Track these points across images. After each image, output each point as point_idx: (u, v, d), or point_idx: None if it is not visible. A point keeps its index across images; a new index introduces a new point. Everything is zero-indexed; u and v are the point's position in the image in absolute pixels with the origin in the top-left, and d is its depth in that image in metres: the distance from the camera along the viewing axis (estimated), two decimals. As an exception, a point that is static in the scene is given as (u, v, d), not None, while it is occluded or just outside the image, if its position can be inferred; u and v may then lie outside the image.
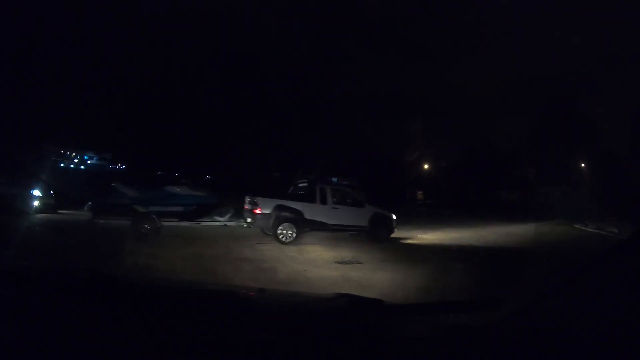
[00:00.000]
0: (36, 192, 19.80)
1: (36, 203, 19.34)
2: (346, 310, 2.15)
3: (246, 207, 16.61)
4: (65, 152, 69.89)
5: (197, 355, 1.71)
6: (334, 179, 55.41)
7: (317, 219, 16.37)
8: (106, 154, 72.96)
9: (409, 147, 48.56)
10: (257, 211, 16.00)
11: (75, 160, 74.31)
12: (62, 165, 62.13)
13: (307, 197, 16.96)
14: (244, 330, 1.82)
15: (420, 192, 48.72)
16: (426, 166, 50.73)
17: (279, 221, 15.77)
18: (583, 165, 40.89)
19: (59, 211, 20.67)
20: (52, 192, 21.24)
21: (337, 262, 11.91)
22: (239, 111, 52.27)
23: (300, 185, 18.94)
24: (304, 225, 16.05)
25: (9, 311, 2.04)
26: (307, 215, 16.27)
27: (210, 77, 58.90)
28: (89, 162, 76.00)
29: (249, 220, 16.34)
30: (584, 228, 22.31)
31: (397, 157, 49.83)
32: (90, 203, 15.77)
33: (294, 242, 15.34)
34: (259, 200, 16.11)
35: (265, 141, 51.79)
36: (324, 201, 16.80)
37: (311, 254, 13.63)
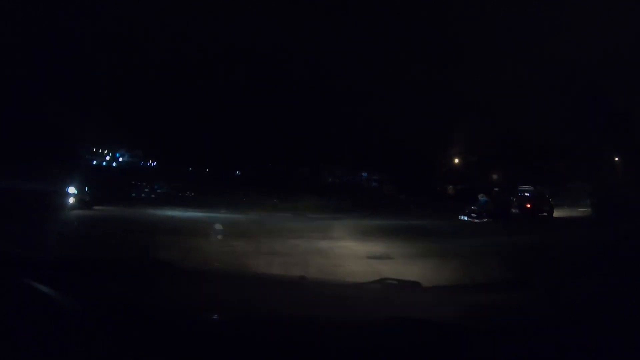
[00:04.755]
0: (71, 190, 20.30)
1: (72, 200, 19.81)
2: (384, 294, 2.16)
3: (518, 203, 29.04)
4: (97, 150, 71.37)
5: (249, 337, 1.80)
6: (364, 174, 55.23)
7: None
8: (137, 150, 74.19)
9: (439, 142, 47.97)
10: (528, 206, 28.21)
11: (107, 158, 75.59)
12: (94, 162, 63.42)
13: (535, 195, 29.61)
14: (291, 310, 1.94)
15: (450, 187, 48.07)
16: (456, 161, 49.92)
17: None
18: (617, 159, 39.80)
19: (94, 207, 21.19)
20: (87, 189, 21.78)
21: (369, 258, 11.89)
22: (269, 108, 52.41)
23: (523, 188, 30.87)
24: None
25: (78, 292, 2.10)
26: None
27: (241, 73, 59.19)
28: (120, 159, 77.06)
29: (514, 211, 28.08)
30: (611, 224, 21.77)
31: (427, 152, 49.13)
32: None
33: (326, 238, 15.83)
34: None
35: (295, 137, 51.74)
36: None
37: (342, 249, 13.67)
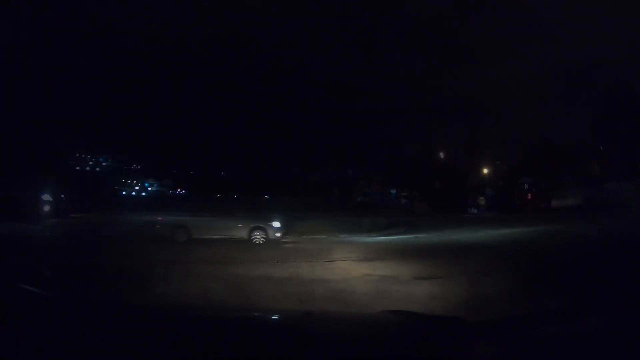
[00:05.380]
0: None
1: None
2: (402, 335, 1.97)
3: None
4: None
5: None
6: (393, 191, 54.87)
7: None
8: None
9: (467, 152, 47.31)
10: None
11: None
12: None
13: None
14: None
15: (481, 198, 47.10)
16: (485, 171, 48.03)
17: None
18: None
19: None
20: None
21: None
22: (292, 131, 52.05)
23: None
24: None
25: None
26: None
27: (260, 97, 58.88)
28: (149, 188, 77.96)
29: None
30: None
31: (455, 164, 48.28)
32: None
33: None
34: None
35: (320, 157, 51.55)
36: None
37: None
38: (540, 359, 1.68)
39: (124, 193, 71.83)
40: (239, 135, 53.80)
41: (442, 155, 48.73)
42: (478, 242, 15.42)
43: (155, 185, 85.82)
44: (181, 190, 79.10)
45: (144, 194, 77.76)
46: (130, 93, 52.48)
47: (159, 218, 16.19)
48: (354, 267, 10.00)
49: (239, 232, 15.45)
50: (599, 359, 1.66)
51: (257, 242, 15.19)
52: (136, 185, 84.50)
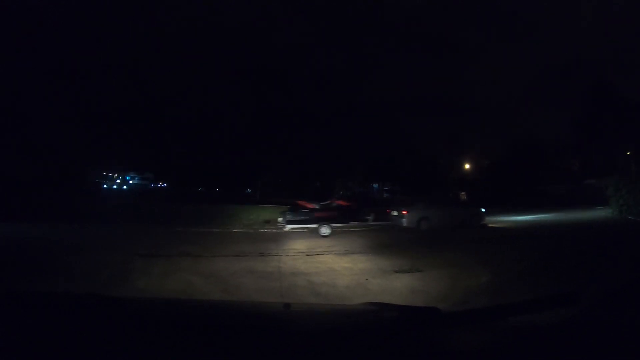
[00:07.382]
0: None
1: None
2: (381, 325, 1.97)
3: None
4: (107, 174, 75.09)
5: None
6: (375, 185, 54.37)
7: None
8: (148, 173, 77.31)
9: (449, 147, 47.42)
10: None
11: (118, 181, 76.91)
12: (105, 186, 65.63)
13: None
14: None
15: (462, 193, 47.12)
16: (467, 166, 48.76)
17: None
18: (628, 153, 38.75)
19: None
20: None
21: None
22: (276, 124, 51.63)
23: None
24: None
25: None
26: None
27: (243, 90, 58.76)
28: (130, 182, 78.16)
29: None
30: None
31: (437, 159, 48.34)
32: None
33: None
34: None
35: (303, 151, 51.02)
36: None
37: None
38: (512, 348, 1.69)
39: (105, 186, 71.26)
40: (219, 129, 53.33)
41: (423, 150, 48.80)
42: (457, 235, 15.63)
43: (136, 178, 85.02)
44: (163, 184, 78.45)
45: (125, 187, 76.94)
46: (108, 86, 51.94)
47: (404, 212, 18.79)
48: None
49: (463, 218, 18.94)
50: (567, 348, 1.68)
51: (475, 225, 18.70)
52: (117, 178, 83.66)
